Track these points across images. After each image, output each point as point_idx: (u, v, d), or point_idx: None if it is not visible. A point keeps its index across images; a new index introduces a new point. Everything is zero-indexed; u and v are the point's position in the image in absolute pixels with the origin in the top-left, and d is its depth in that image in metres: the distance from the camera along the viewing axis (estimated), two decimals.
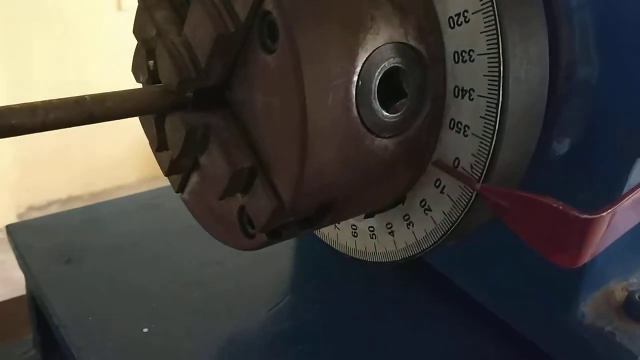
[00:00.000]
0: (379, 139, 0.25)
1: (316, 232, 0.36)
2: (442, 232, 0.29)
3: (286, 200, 0.25)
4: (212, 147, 0.26)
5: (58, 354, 0.40)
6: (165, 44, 0.26)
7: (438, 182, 0.28)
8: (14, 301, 0.50)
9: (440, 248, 0.30)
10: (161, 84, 0.26)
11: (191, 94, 0.26)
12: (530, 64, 0.26)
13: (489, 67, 0.25)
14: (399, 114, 0.26)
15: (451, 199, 0.28)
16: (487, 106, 0.25)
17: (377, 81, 0.25)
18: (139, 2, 0.29)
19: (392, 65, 0.25)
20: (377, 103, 0.25)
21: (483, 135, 0.26)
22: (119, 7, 1.64)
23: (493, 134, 0.26)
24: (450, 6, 0.26)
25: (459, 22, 0.26)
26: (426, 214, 0.29)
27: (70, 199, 1.76)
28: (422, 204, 0.29)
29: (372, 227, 0.32)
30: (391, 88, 0.26)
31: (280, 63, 0.23)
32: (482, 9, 0.25)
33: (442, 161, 0.28)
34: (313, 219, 0.27)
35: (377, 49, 0.24)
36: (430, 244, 0.29)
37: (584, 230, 0.23)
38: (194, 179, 0.30)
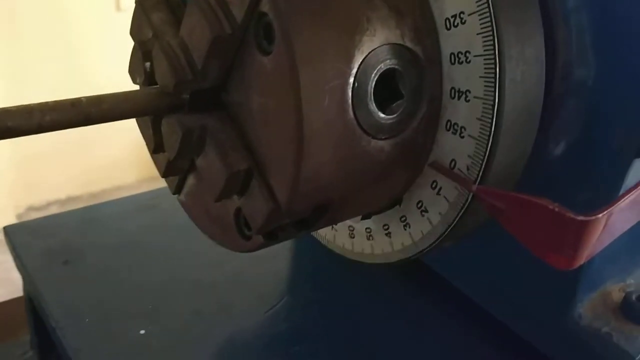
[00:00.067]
0: (375, 140, 0.25)
1: (313, 233, 0.36)
2: (439, 234, 0.29)
3: (282, 201, 0.25)
4: (208, 149, 0.26)
5: (55, 355, 0.40)
6: (161, 45, 0.26)
7: (434, 183, 0.28)
8: (13, 302, 0.50)
9: (437, 249, 0.30)
10: (158, 86, 0.26)
11: (187, 95, 0.26)
12: (526, 65, 0.26)
13: (485, 68, 0.25)
14: (395, 115, 0.26)
15: (447, 201, 0.28)
16: (483, 108, 0.25)
17: (374, 83, 0.25)
18: (135, 3, 0.29)
19: (388, 66, 0.25)
20: (374, 104, 0.25)
21: (479, 136, 0.26)
22: (118, 8, 1.64)
23: (489, 136, 0.26)
24: (447, 8, 0.26)
25: (455, 24, 0.26)
26: (423, 216, 0.29)
27: (69, 199, 1.76)
28: (419, 205, 0.29)
29: (369, 228, 0.32)
30: (387, 89, 0.26)
31: (277, 65, 0.23)
32: (478, 11, 0.25)
33: (438, 162, 0.28)
34: (309, 220, 0.27)
35: (373, 50, 0.24)
36: (427, 245, 0.29)
37: (580, 232, 0.23)
38: (191, 180, 0.30)
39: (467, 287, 0.38)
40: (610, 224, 0.24)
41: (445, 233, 0.28)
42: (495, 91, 0.25)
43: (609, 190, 0.30)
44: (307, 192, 0.25)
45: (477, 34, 0.25)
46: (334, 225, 0.34)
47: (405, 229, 0.30)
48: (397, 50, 0.25)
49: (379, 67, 0.25)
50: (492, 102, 0.25)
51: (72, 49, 1.62)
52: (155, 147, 0.28)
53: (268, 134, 0.25)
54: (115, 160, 1.74)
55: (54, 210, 1.70)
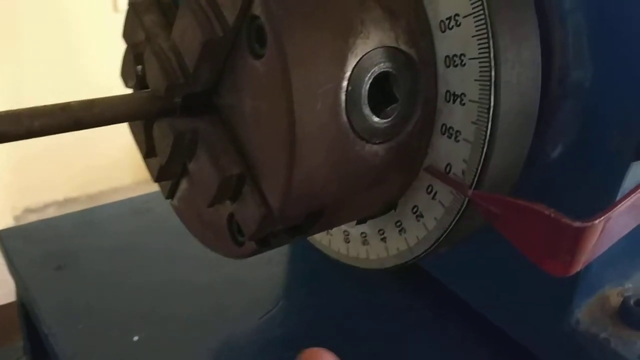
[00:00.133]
0: (369, 144, 0.25)
1: (308, 238, 0.36)
2: (434, 239, 0.28)
3: (275, 206, 0.24)
4: (200, 153, 0.26)
5: None
6: (153, 49, 0.25)
7: (430, 188, 0.28)
8: (8, 306, 0.50)
9: (433, 254, 0.30)
10: (149, 90, 0.26)
11: (179, 99, 0.26)
12: (522, 68, 0.26)
13: (480, 71, 0.25)
14: (389, 119, 0.25)
15: (443, 206, 0.27)
16: (479, 111, 0.25)
17: (368, 86, 0.24)
18: (128, 6, 0.29)
19: (382, 70, 0.25)
20: (368, 108, 0.25)
21: (475, 140, 0.26)
22: (115, 9, 1.63)
23: (484, 140, 0.25)
24: (441, 10, 0.26)
25: (450, 26, 0.25)
26: (418, 221, 0.29)
27: (67, 200, 1.75)
28: (414, 210, 0.29)
29: (364, 233, 0.32)
30: (381, 93, 0.25)
31: (269, 68, 0.23)
32: (473, 13, 0.24)
33: (433, 167, 0.27)
34: (303, 226, 0.26)
35: (367, 53, 0.24)
36: (422, 251, 0.29)
37: (576, 238, 0.22)
38: (184, 185, 0.29)
39: (463, 292, 0.38)
40: (608, 230, 0.24)
41: (441, 238, 0.28)
42: (490, 95, 0.25)
43: (606, 193, 0.29)
44: (300, 198, 0.24)
45: (472, 37, 0.25)
46: (329, 230, 0.34)
47: (400, 234, 0.30)
48: (392, 53, 0.25)
49: (372, 70, 0.24)
50: (487, 106, 0.25)
51: (70, 49, 1.61)
52: (148, 151, 0.28)
53: (260, 138, 0.24)
54: (113, 161, 1.73)
55: (51, 212, 1.70)
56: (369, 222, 0.31)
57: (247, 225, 0.26)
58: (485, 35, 0.24)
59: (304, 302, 0.40)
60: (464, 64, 0.25)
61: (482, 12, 0.24)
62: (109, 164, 1.73)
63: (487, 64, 0.24)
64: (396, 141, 0.26)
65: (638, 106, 0.28)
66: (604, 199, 0.30)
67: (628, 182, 0.29)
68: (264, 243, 0.26)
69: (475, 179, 0.26)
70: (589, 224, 0.23)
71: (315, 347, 0.25)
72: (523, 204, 0.24)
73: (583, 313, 0.34)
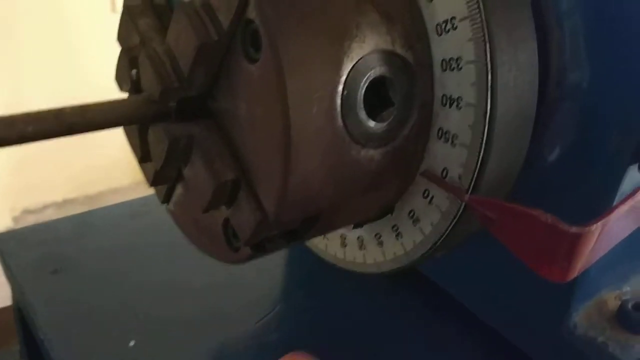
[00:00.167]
0: (365, 149, 0.25)
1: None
2: (431, 244, 0.28)
3: (270, 212, 0.24)
4: (195, 158, 0.25)
5: None
6: (147, 52, 0.25)
7: (426, 192, 0.28)
8: (5, 310, 0.50)
9: (430, 259, 0.30)
10: (144, 94, 0.26)
11: (174, 103, 0.25)
12: (519, 71, 0.25)
13: (477, 75, 0.25)
14: (385, 123, 0.25)
15: (440, 210, 0.27)
16: (475, 115, 0.25)
17: (363, 90, 0.24)
18: (122, 9, 0.29)
19: (378, 74, 0.24)
20: (364, 113, 0.24)
21: (471, 145, 0.25)
22: (113, 10, 1.63)
23: (481, 144, 0.25)
24: (438, 13, 0.25)
25: (447, 29, 0.25)
26: (415, 225, 0.29)
27: (65, 201, 1.75)
28: (411, 214, 0.29)
29: (361, 237, 0.32)
30: (377, 97, 0.25)
31: (264, 72, 0.23)
32: (470, 16, 0.24)
33: (430, 171, 0.27)
34: (299, 231, 0.26)
35: (362, 57, 0.24)
36: (419, 255, 0.29)
37: (573, 244, 0.22)
38: (179, 190, 0.29)
39: (461, 295, 0.38)
40: (605, 235, 0.24)
41: (438, 243, 0.28)
42: (487, 98, 0.24)
43: (604, 196, 0.29)
44: (295, 203, 0.24)
45: (469, 40, 0.24)
46: (325, 235, 0.34)
47: (397, 239, 0.30)
48: (388, 57, 0.25)
49: (368, 74, 0.24)
50: (484, 110, 0.25)
51: (69, 49, 1.61)
52: (143, 156, 0.28)
53: (255, 143, 0.24)
54: (112, 162, 1.73)
55: (50, 213, 1.70)
56: (366, 226, 0.31)
57: (242, 231, 0.25)
58: (482, 39, 0.24)
59: (301, 305, 0.40)
60: (461, 68, 0.25)
61: (478, 15, 0.24)
62: (108, 164, 1.73)
63: (483, 68, 0.24)
64: (392, 145, 0.26)
65: (636, 108, 0.28)
66: (602, 202, 0.29)
67: (626, 185, 0.29)
68: (260, 248, 0.26)
69: (472, 184, 0.26)
70: (586, 229, 0.22)
71: (295, 352, 0.25)
72: (519, 209, 0.24)
73: (581, 317, 0.34)
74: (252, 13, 0.22)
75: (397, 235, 0.30)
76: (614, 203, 0.29)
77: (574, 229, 0.22)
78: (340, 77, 0.23)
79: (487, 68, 0.24)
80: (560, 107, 0.29)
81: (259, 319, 0.38)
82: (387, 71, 0.25)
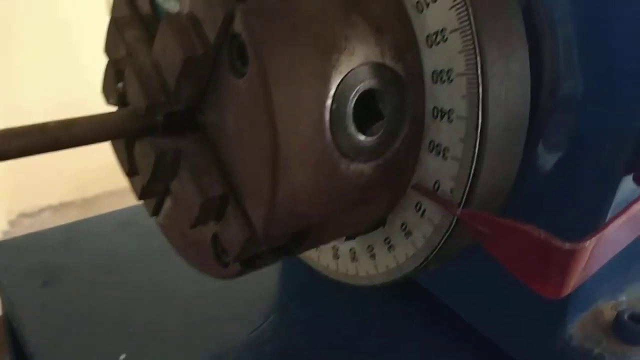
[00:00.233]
0: (354, 163, 0.25)
1: None
2: (424, 258, 0.28)
3: (258, 228, 0.24)
4: (182, 173, 0.25)
5: None
6: (133, 66, 0.25)
7: (418, 205, 0.27)
8: None
9: (423, 272, 0.29)
10: (130, 108, 0.25)
11: (161, 117, 0.25)
12: (510, 83, 0.25)
13: (467, 88, 0.24)
14: (375, 136, 0.25)
15: (432, 223, 0.27)
16: (467, 128, 0.25)
17: (353, 104, 0.24)
18: (109, 20, 0.28)
19: (368, 87, 0.24)
20: (353, 126, 0.24)
21: (463, 158, 0.25)
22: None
23: (473, 158, 0.25)
24: (428, 24, 0.25)
25: (437, 41, 0.25)
26: (407, 238, 0.28)
27: (62, 204, 1.74)
28: (403, 227, 0.28)
29: (353, 249, 0.32)
30: (367, 110, 0.25)
31: (250, 86, 0.22)
32: (460, 28, 0.24)
33: (421, 185, 0.27)
34: (288, 247, 0.26)
35: (352, 70, 0.23)
36: (411, 269, 0.29)
37: (567, 260, 0.22)
38: (168, 203, 0.29)
39: (456, 305, 0.38)
40: (600, 249, 0.23)
41: (430, 257, 0.27)
42: (478, 112, 0.24)
43: (599, 207, 0.29)
44: (284, 218, 0.24)
45: (459, 52, 0.24)
46: None
47: (389, 252, 0.29)
48: (377, 69, 0.24)
49: (358, 87, 0.24)
50: (475, 123, 0.24)
51: (64, 52, 1.60)
52: (130, 170, 0.27)
53: (243, 158, 0.24)
54: (109, 165, 1.71)
55: (46, 216, 1.69)
56: (358, 238, 0.31)
57: (231, 247, 0.25)
58: (473, 51, 0.24)
59: (295, 316, 0.39)
60: (452, 80, 0.25)
61: (468, 27, 0.24)
62: (104, 167, 1.71)
63: (474, 81, 0.24)
64: (383, 159, 0.25)
65: (630, 117, 0.27)
66: (596, 213, 0.29)
67: (620, 196, 0.29)
68: (249, 264, 0.26)
69: (464, 197, 0.25)
70: (580, 245, 0.22)
71: None
72: (511, 225, 0.23)
73: (576, 328, 0.34)
74: (238, 26, 0.22)
75: (389, 248, 0.29)
76: (609, 214, 0.29)
77: (567, 245, 0.22)
78: (328, 90, 0.23)
79: (477, 81, 0.24)
80: (553, 117, 0.29)
81: (252, 329, 0.37)
82: (377, 84, 0.24)
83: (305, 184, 0.23)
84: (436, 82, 0.25)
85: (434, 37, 0.25)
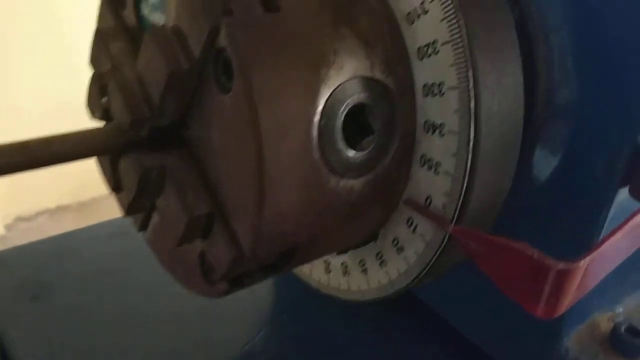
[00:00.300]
0: (344, 179, 0.24)
1: None
2: (416, 274, 0.27)
3: (246, 247, 0.23)
4: (168, 190, 0.24)
5: None
6: (117, 80, 0.24)
7: (410, 220, 0.27)
8: None
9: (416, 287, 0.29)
10: (113, 123, 0.25)
11: (146, 132, 0.24)
12: (503, 95, 0.24)
13: (459, 101, 0.24)
14: (365, 152, 0.24)
15: (424, 240, 0.26)
16: (459, 143, 0.24)
17: (342, 119, 0.23)
18: (94, 32, 0.28)
19: (357, 101, 0.23)
20: (342, 142, 0.23)
21: (455, 173, 0.24)
22: None
23: (465, 173, 0.24)
24: (419, 36, 0.24)
25: (428, 54, 0.24)
26: (399, 254, 0.28)
27: (59, 208, 1.74)
28: (395, 243, 0.28)
29: (345, 263, 0.31)
30: (357, 124, 0.24)
31: (236, 102, 0.22)
32: (452, 40, 0.23)
33: (413, 200, 0.26)
34: (277, 265, 0.25)
35: (340, 84, 0.23)
36: (404, 285, 0.28)
37: (561, 280, 0.21)
38: (155, 218, 0.28)
39: (452, 318, 0.37)
40: (593, 269, 0.23)
41: (422, 273, 0.27)
42: (470, 127, 0.23)
43: (593, 221, 0.28)
44: (271, 237, 0.23)
45: (451, 65, 0.23)
46: None
47: (381, 267, 0.29)
48: (367, 83, 0.24)
49: (347, 102, 0.23)
50: (467, 138, 0.24)
51: (61, 55, 1.60)
52: (114, 186, 0.26)
53: (229, 175, 0.23)
54: None
55: (43, 220, 1.68)
56: (350, 252, 0.30)
57: (218, 265, 0.24)
58: (464, 64, 0.23)
59: (288, 329, 0.39)
60: (443, 94, 0.24)
61: (460, 39, 0.23)
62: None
63: (466, 95, 0.23)
64: (373, 174, 0.25)
65: (626, 128, 0.27)
66: (592, 226, 0.29)
67: (615, 209, 0.28)
68: (237, 283, 0.25)
69: (456, 213, 0.25)
70: (574, 265, 0.21)
71: None
72: (504, 243, 0.23)
73: (572, 341, 0.33)
74: (223, 41, 0.21)
75: (381, 264, 0.29)
76: (605, 227, 0.29)
77: (561, 265, 0.21)
78: (317, 106, 0.22)
79: (469, 95, 0.23)
80: (547, 128, 0.28)
81: (244, 343, 0.37)
82: (367, 98, 0.24)
83: (293, 201, 0.23)
84: (427, 96, 0.25)
85: (425, 49, 0.24)
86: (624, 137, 0.27)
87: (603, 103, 0.27)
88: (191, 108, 0.24)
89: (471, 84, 0.23)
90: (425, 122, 0.25)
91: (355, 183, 0.24)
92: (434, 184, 0.25)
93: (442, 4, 0.23)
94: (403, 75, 0.25)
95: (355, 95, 0.23)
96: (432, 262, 0.26)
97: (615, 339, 0.33)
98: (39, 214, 1.70)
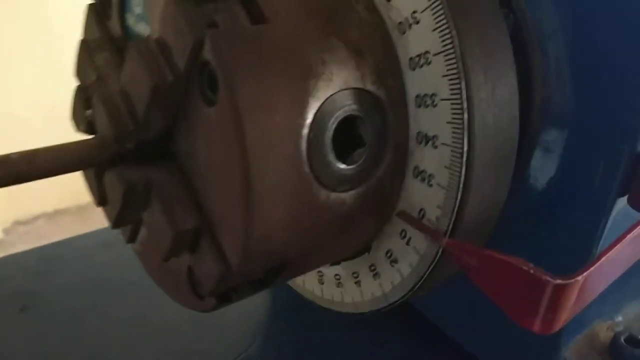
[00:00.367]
0: (335, 193, 0.23)
1: None
2: (410, 286, 0.27)
3: (233, 263, 0.23)
4: (154, 204, 0.24)
5: None
6: (100, 93, 0.24)
7: (404, 233, 0.26)
8: None
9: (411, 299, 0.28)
10: (97, 136, 0.24)
11: (132, 145, 0.24)
12: (498, 107, 0.24)
13: (452, 113, 0.23)
14: (357, 164, 0.24)
15: (418, 252, 0.26)
16: (452, 156, 0.23)
17: (332, 132, 0.23)
18: (79, 44, 0.27)
19: (347, 113, 0.23)
20: (332, 155, 0.23)
21: (448, 186, 0.24)
22: None
23: (459, 186, 0.23)
24: (411, 47, 0.24)
25: (420, 64, 0.24)
26: (392, 266, 0.27)
27: (56, 212, 1.73)
28: (388, 255, 0.27)
29: (338, 275, 0.30)
30: (348, 136, 0.24)
31: (221, 116, 0.21)
32: (444, 51, 0.23)
33: (406, 213, 0.26)
34: (266, 279, 0.25)
35: (330, 96, 0.22)
36: (398, 298, 0.27)
37: (557, 295, 0.21)
38: (144, 230, 0.27)
39: (450, 329, 0.36)
40: (591, 283, 0.22)
41: (417, 286, 0.26)
42: (463, 139, 0.23)
43: (591, 231, 0.28)
44: (260, 253, 0.23)
45: (443, 76, 0.23)
46: None
47: (374, 279, 0.28)
48: (357, 94, 0.23)
49: (337, 114, 0.22)
50: (461, 150, 0.23)
51: (59, 58, 1.59)
52: (100, 200, 0.26)
53: (216, 190, 0.23)
54: None
55: (41, 224, 1.68)
56: (343, 263, 0.30)
57: (206, 281, 0.24)
58: (457, 75, 0.22)
59: (282, 339, 0.38)
60: (436, 105, 0.23)
61: (452, 50, 0.22)
62: None
63: (459, 106, 0.23)
64: (365, 187, 0.24)
65: (625, 136, 0.26)
66: (589, 236, 0.28)
67: (613, 219, 0.28)
68: (225, 298, 0.25)
69: (450, 226, 0.24)
70: (572, 280, 0.21)
71: None
72: (499, 257, 0.22)
73: (571, 351, 0.33)
74: (208, 53, 0.21)
75: (374, 275, 0.28)
76: (603, 237, 0.28)
77: (558, 280, 0.21)
78: (305, 119, 0.22)
79: (463, 106, 0.22)
80: (544, 137, 0.28)
81: (238, 353, 0.36)
82: (358, 110, 0.23)
83: (282, 217, 0.22)
84: (420, 107, 0.24)
85: (417, 60, 0.24)
86: (622, 145, 0.26)
87: (600, 111, 0.26)
88: (178, 121, 0.23)
89: (464, 96, 0.22)
90: (418, 133, 0.24)
91: (346, 196, 0.24)
92: (427, 197, 0.25)
93: (434, 13, 0.22)
94: (395, 86, 0.24)
95: (345, 107, 0.23)
96: (426, 275, 0.26)
97: (615, 350, 0.33)
98: (37, 217, 1.69)
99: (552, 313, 0.21)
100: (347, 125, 0.23)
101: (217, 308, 0.25)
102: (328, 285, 0.31)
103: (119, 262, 0.41)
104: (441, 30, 0.22)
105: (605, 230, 0.28)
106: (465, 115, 0.23)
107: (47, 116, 1.49)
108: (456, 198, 0.24)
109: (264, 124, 0.21)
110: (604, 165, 0.27)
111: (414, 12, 0.23)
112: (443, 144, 0.24)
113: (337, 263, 0.30)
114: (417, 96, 0.24)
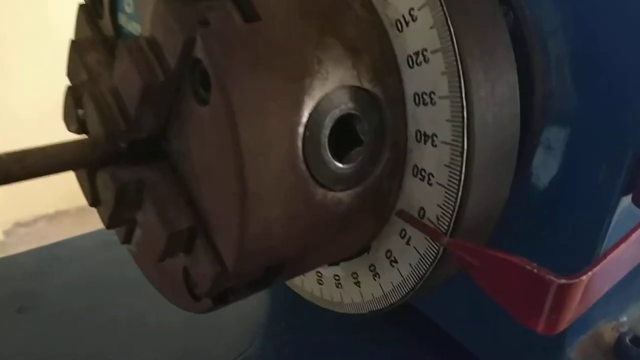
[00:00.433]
0: (332, 192, 0.23)
1: None
2: (410, 287, 0.26)
3: (229, 264, 0.22)
4: (147, 205, 0.23)
5: None
6: (91, 93, 0.23)
7: (403, 232, 0.26)
8: None
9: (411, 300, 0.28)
10: (89, 136, 0.24)
11: (124, 145, 0.23)
12: (498, 105, 0.23)
13: (451, 111, 0.22)
14: (354, 163, 0.23)
15: (418, 252, 0.25)
16: (452, 154, 0.23)
17: (328, 130, 0.22)
18: (70, 44, 0.26)
19: (344, 112, 0.22)
20: (329, 154, 0.22)
21: (448, 185, 0.23)
22: None
23: (459, 185, 0.23)
24: (409, 44, 0.23)
25: (418, 62, 0.23)
26: (392, 266, 0.27)
27: (57, 213, 1.73)
28: (388, 255, 0.27)
29: (337, 275, 0.30)
30: (345, 134, 0.23)
31: (214, 115, 0.21)
32: (442, 48, 0.22)
33: (406, 212, 0.25)
34: (263, 280, 0.24)
35: (326, 95, 0.22)
36: (398, 298, 0.27)
37: (561, 295, 0.20)
38: (139, 231, 0.27)
39: (453, 329, 0.36)
40: (596, 282, 0.22)
41: (417, 286, 0.26)
42: (463, 137, 0.22)
43: (595, 231, 0.27)
44: (256, 253, 0.22)
45: (442, 74, 0.22)
46: None
47: (374, 279, 0.28)
48: (354, 93, 0.22)
49: (333, 112, 0.22)
50: (461, 149, 0.22)
51: (56, 58, 1.59)
52: (93, 201, 0.25)
53: (211, 189, 0.22)
54: None
55: (42, 225, 1.68)
56: (342, 264, 0.29)
57: (201, 282, 0.23)
58: (456, 74, 0.22)
59: (282, 339, 0.38)
60: (434, 103, 0.23)
61: (451, 47, 0.22)
62: None
63: (458, 104, 0.22)
64: (363, 186, 0.24)
65: (627, 135, 0.26)
66: (593, 236, 0.28)
67: (617, 218, 0.27)
68: (222, 299, 0.24)
69: (451, 226, 0.24)
70: (576, 280, 0.20)
71: None
72: (501, 257, 0.22)
73: (576, 351, 0.32)
74: (199, 52, 0.20)
75: (374, 276, 0.28)
76: (607, 236, 0.27)
77: (562, 280, 0.20)
78: (300, 118, 0.21)
79: (462, 104, 0.22)
80: (546, 136, 0.27)
81: (237, 354, 0.36)
82: (354, 108, 0.22)
83: (278, 217, 0.22)
84: (419, 105, 0.23)
85: (415, 57, 0.23)
86: (625, 143, 0.26)
87: (602, 109, 0.26)
88: (171, 120, 0.23)
89: (463, 93, 0.22)
90: (417, 131, 0.24)
91: (344, 196, 0.23)
92: (427, 196, 0.24)
93: (432, 10, 0.22)
94: (392, 84, 0.24)
95: (342, 106, 0.22)
96: (427, 274, 0.25)
97: (619, 350, 0.32)
98: (37, 219, 1.69)
99: (556, 313, 0.21)
100: (344, 124, 0.23)
101: (213, 309, 0.24)
102: (327, 286, 0.31)
103: (117, 263, 0.40)
104: (439, 28, 0.22)
105: (610, 229, 0.27)
106: (465, 113, 0.22)
107: (47, 116, 1.48)
108: (457, 197, 0.23)
109: (258, 123, 0.20)
110: (607, 163, 0.26)
111: (411, 9, 0.23)
112: (442, 142, 0.23)
113: (336, 263, 0.29)
114: (416, 94, 0.23)
